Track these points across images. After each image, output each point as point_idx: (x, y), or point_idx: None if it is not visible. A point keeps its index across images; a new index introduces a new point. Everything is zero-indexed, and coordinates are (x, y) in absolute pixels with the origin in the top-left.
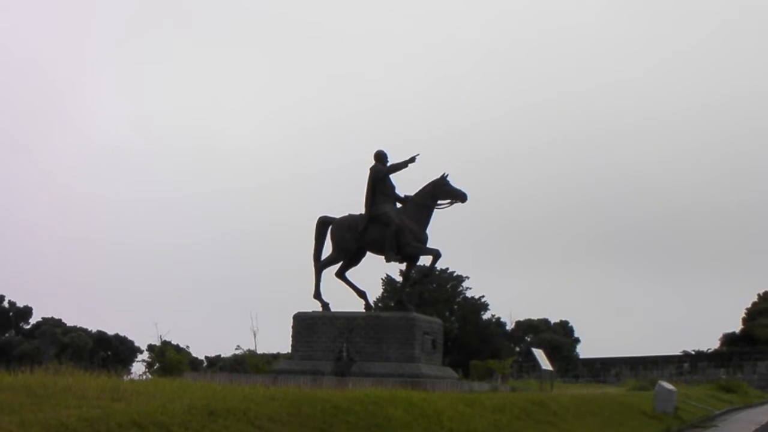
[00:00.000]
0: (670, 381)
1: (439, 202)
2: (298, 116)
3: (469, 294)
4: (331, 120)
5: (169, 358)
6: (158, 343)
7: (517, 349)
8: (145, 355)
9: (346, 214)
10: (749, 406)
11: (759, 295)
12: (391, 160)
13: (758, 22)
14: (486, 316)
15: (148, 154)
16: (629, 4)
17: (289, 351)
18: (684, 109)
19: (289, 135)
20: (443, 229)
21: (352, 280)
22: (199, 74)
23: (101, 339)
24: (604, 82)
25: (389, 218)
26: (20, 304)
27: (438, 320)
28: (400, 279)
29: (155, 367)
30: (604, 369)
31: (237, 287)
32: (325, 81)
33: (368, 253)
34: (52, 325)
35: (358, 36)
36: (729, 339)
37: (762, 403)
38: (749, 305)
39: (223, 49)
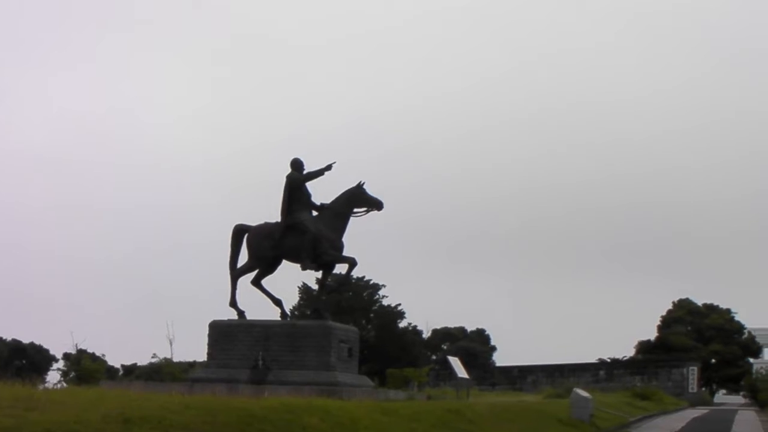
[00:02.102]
0: (586, 389)
1: (356, 210)
2: (214, 122)
3: (385, 302)
4: (247, 126)
5: (85, 367)
6: (74, 352)
7: (434, 357)
8: (61, 364)
9: (263, 222)
10: (664, 413)
11: (674, 303)
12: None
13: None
14: (402, 324)
15: (63, 159)
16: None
17: (206, 359)
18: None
19: (205, 142)
20: (360, 236)
21: (268, 288)
22: (119, 79)
23: (16, 348)
24: (511, 81)
25: (306, 226)
26: None
27: (354, 328)
28: (316, 287)
29: (71, 375)
30: (520, 377)
31: (153, 295)
32: (235, 88)
33: (284, 261)
34: None
35: (279, 41)
36: (644, 347)
37: (677, 410)
38: (664, 313)
39: (144, 53)
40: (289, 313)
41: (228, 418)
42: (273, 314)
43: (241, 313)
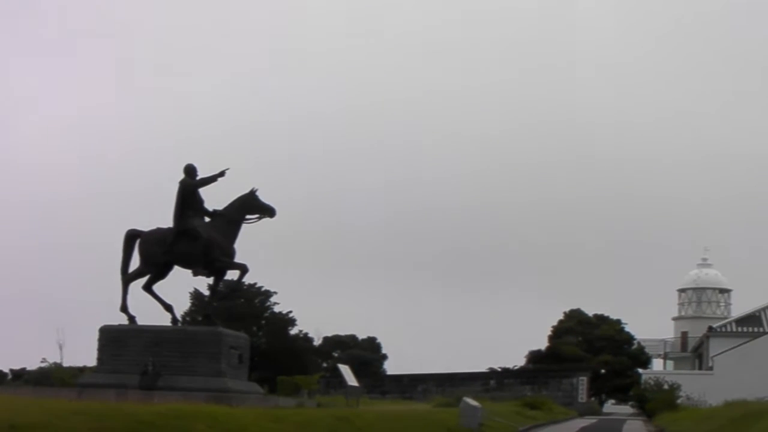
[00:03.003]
0: (476, 398)
1: (248, 216)
2: (102, 126)
3: (277, 309)
4: (141, 132)
5: None
6: None
7: (325, 364)
8: None
9: (155, 227)
10: (554, 422)
11: (565, 313)
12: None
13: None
14: (294, 331)
15: None
16: None
17: (96, 364)
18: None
19: (94, 146)
20: (251, 243)
21: (159, 294)
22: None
23: None
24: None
25: (198, 232)
26: None
27: (245, 335)
28: (208, 293)
29: None
30: (411, 385)
31: (43, 299)
32: (129, 89)
33: (176, 267)
34: None
35: (164, 43)
36: (535, 357)
37: (566, 420)
38: (555, 323)
39: (17, 58)
40: (180, 318)
41: (116, 423)
42: (164, 320)
43: (131, 319)
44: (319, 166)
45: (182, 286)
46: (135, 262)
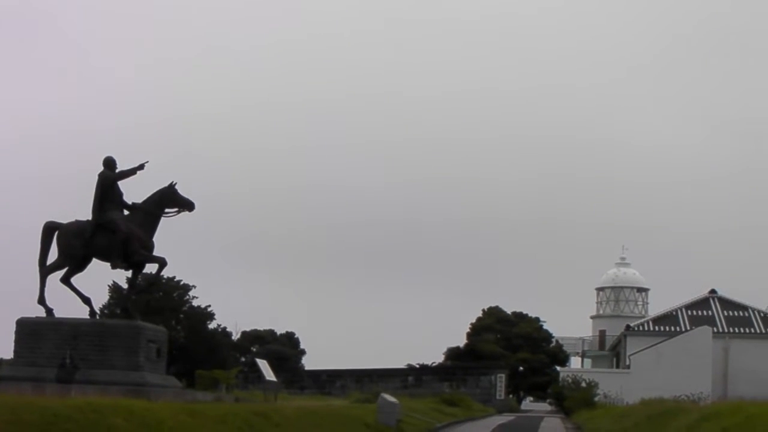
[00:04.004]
0: (394, 394)
1: (167, 210)
2: (24, 117)
3: (195, 303)
4: (62, 123)
5: None
6: None
7: (243, 359)
8: None
9: (74, 220)
10: (471, 419)
11: (484, 310)
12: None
13: None
14: (212, 325)
15: None
16: None
17: (12, 357)
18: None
19: (10, 136)
20: (170, 237)
21: (77, 287)
22: None
23: None
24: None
25: (116, 225)
26: None
27: (163, 329)
28: (126, 286)
29: None
30: (329, 381)
31: None
32: (50, 79)
33: (95, 260)
34: None
35: (84, 33)
36: (453, 353)
37: (484, 417)
38: (474, 321)
39: None
40: (98, 312)
41: (32, 417)
42: (82, 313)
43: (49, 311)
44: (239, 162)
45: (101, 279)
46: (53, 255)
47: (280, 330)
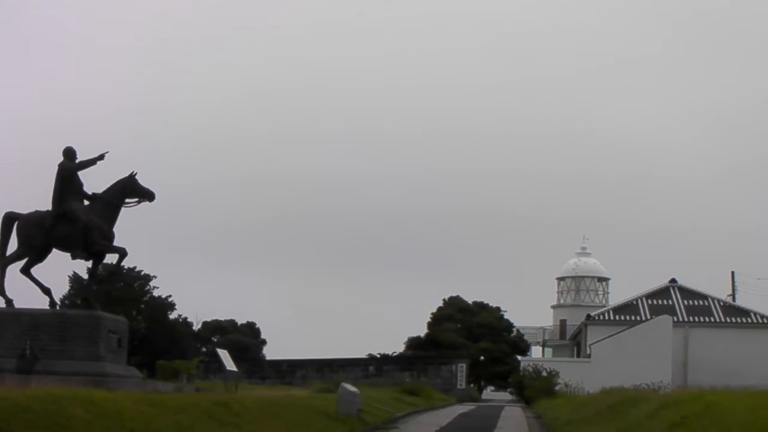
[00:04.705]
0: (355, 384)
1: (127, 200)
2: None
3: (156, 293)
4: (20, 114)
5: None
6: None
7: (204, 349)
8: None
9: (34, 210)
10: (432, 408)
11: (444, 300)
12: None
13: None
14: (173, 315)
15: None
16: None
17: None
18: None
19: None
20: (130, 227)
21: (37, 277)
22: None
23: None
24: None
25: (77, 216)
26: None
27: (124, 319)
28: (87, 277)
29: None
30: (290, 371)
31: None
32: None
33: (55, 250)
34: None
35: (57, 24)
36: (414, 343)
37: (444, 406)
38: (435, 310)
39: None
40: (58, 302)
41: None
42: (42, 303)
43: (9, 302)
44: (200, 153)
45: (61, 269)
46: (13, 245)
47: (241, 320)
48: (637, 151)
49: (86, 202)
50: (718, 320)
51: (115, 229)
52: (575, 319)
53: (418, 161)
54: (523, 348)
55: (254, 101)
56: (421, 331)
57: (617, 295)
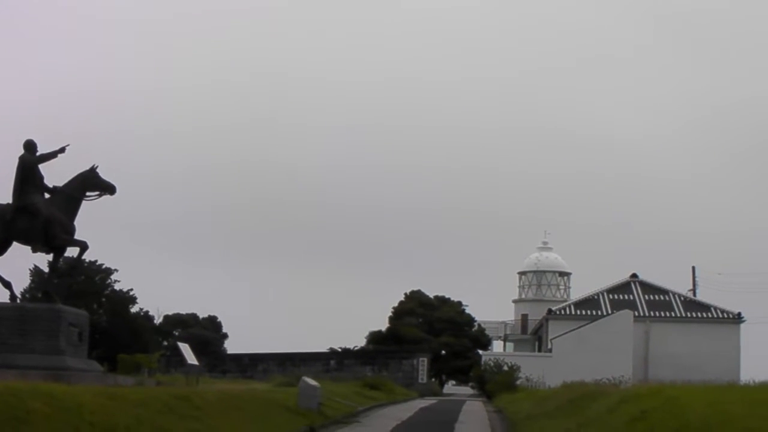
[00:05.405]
0: (316, 378)
1: (88, 193)
2: None
3: (117, 287)
4: None
5: None
6: None
7: (165, 343)
8: None
9: None
10: (393, 402)
11: (406, 294)
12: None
13: None
14: (134, 309)
15: None
16: None
17: None
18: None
19: None
20: (91, 220)
21: None
22: None
23: None
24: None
25: (37, 209)
26: None
27: (85, 313)
28: (47, 270)
29: None
30: (251, 365)
31: None
32: None
33: (15, 243)
34: None
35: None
36: (376, 337)
37: (406, 400)
38: (396, 305)
39: None
40: (19, 295)
41: None
42: (2, 297)
43: None
44: (163, 142)
45: (21, 262)
46: None
47: (202, 314)
48: (599, 147)
49: (47, 196)
50: (678, 315)
51: (75, 223)
52: (536, 314)
53: (382, 156)
54: (485, 342)
55: (220, 91)
56: (383, 325)
57: (578, 290)
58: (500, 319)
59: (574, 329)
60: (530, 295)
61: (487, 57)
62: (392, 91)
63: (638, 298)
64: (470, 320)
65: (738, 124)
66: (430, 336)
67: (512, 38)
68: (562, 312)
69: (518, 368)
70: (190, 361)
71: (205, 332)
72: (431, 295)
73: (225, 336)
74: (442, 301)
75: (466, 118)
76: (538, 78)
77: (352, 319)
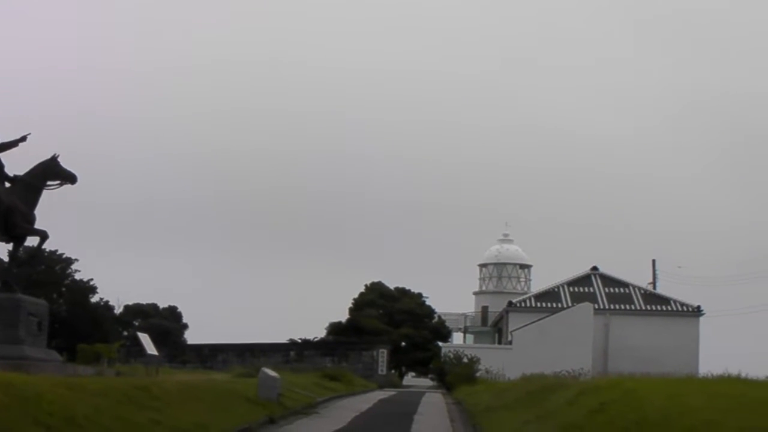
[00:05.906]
0: (276, 369)
1: (49, 183)
2: None
3: (78, 277)
4: None
5: None
6: None
7: (125, 333)
8: None
9: None
10: (353, 394)
11: (366, 286)
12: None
13: None
14: (95, 299)
15: None
16: None
17: None
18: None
19: None
20: (52, 209)
21: None
22: None
23: None
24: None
25: None
26: None
27: (44, 302)
28: (7, 259)
29: None
30: (211, 355)
31: None
32: None
33: None
34: None
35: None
36: (336, 328)
37: (365, 392)
38: (356, 296)
39: None
40: None
41: None
42: None
43: None
44: (124, 133)
45: None
46: None
47: (162, 304)
48: (560, 140)
49: (7, 184)
50: (638, 308)
51: (36, 212)
52: (497, 306)
53: (341, 145)
54: (445, 334)
55: (181, 78)
56: (343, 316)
57: (539, 282)
58: (460, 311)
59: (534, 321)
60: (491, 287)
61: (464, 50)
62: (353, 81)
63: (598, 290)
64: (430, 312)
65: (709, 121)
66: (390, 327)
67: (469, 31)
68: (523, 304)
69: (478, 360)
70: (149, 351)
71: (165, 322)
72: (392, 287)
73: (185, 326)
74: (403, 292)
75: (428, 110)
76: (500, 72)
77: (313, 310)
